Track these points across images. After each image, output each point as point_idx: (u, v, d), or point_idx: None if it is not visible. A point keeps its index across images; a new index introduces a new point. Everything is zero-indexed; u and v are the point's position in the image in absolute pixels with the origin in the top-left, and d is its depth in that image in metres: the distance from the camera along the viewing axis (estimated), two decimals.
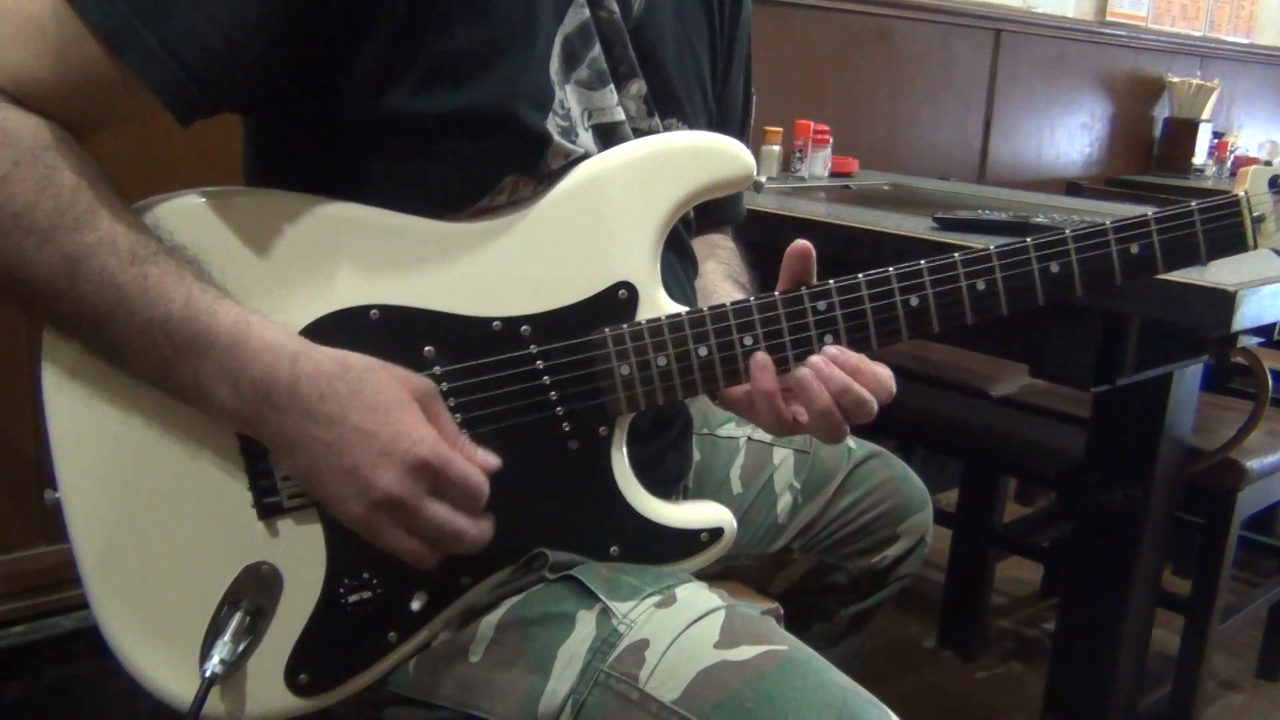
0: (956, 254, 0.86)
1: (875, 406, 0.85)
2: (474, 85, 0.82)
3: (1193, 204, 0.87)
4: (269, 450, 0.79)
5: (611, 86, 0.90)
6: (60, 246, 0.72)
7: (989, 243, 0.87)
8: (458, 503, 0.77)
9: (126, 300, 0.73)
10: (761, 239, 1.18)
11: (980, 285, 0.86)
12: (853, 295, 0.86)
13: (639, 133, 0.92)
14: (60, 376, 0.80)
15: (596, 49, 0.89)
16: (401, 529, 0.77)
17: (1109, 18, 3.44)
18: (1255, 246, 0.88)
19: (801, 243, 0.86)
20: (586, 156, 0.87)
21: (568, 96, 0.87)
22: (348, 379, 0.76)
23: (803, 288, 0.86)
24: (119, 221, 0.74)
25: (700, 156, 0.86)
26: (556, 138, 0.85)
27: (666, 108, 0.97)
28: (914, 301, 0.86)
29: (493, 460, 0.80)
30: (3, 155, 0.71)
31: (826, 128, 2.43)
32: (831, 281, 0.86)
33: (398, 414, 0.76)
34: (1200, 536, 1.88)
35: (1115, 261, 0.86)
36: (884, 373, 0.86)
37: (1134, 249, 0.86)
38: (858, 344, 0.86)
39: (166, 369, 0.75)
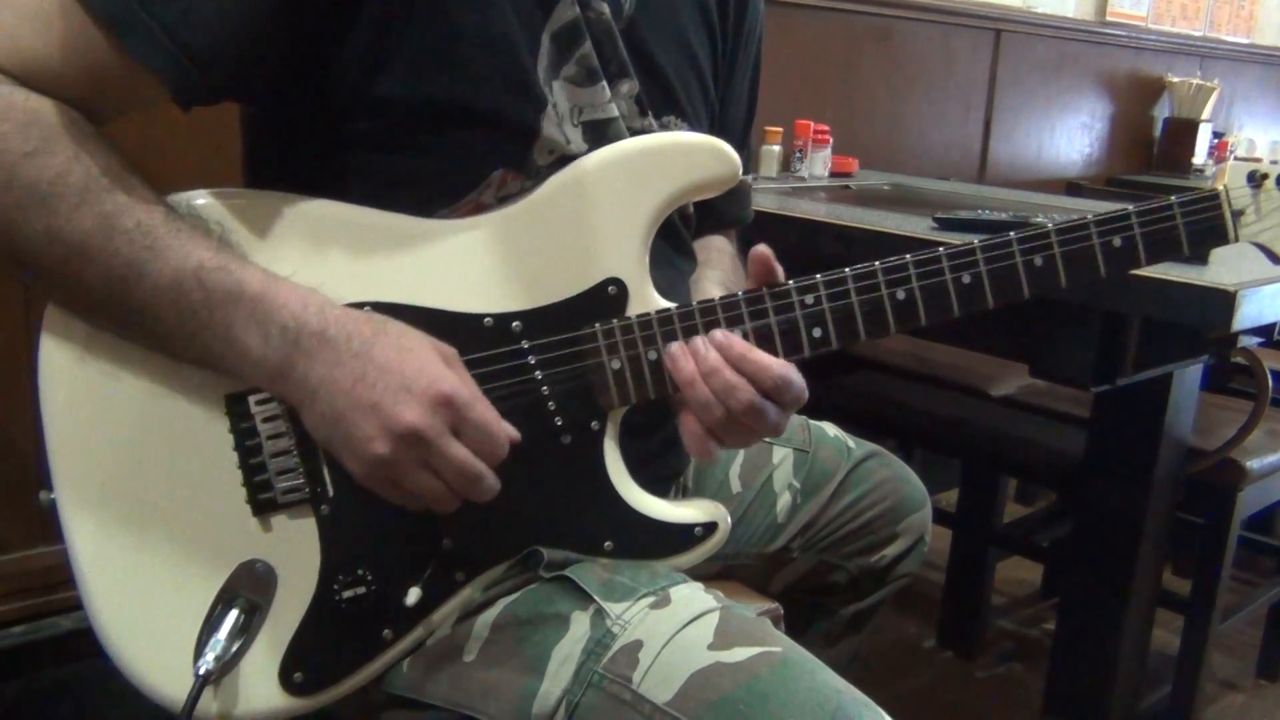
0: (941, 248, 0.87)
1: (750, 396, 0.82)
2: (461, 75, 0.83)
3: (1173, 198, 0.88)
4: (291, 403, 0.80)
5: (603, 84, 0.90)
6: (94, 206, 0.74)
7: None
8: (476, 446, 0.78)
9: (162, 250, 0.75)
10: (761, 239, 1.18)
11: (965, 278, 0.86)
12: (839, 289, 0.86)
13: (633, 132, 0.92)
14: (56, 375, 0.81)
15: (586, 46, 0.89)
16: (423, 468, 0.77)
17: (1109, 18, 3.43)
18: (1236, 239, 0.89)
19: (761, 249, 0.86)
20: (577, 152, 0.87)
21: (553, 92, 0.87)
22: (374, 322, 0.78)
23: (790, 281, 0.87)
24: (148, 187, 0.77)
25: (686, 155, 0.87)
26: (544, 131, 0.86)
27: (662, 107, 0.97)
28: (900, 295, 0.86)
29: (514, 432, 0.80)
30: (31, 132, 0.74)
31: (826, 128, 2.43)
32: (819, 276, 0.87)
33: (421, 354, 0.77)
34: (1200, 536, 1.87)
35: (1098, 254, 0.87)
36: (775, 365, 0.83)
37: (1116, 241, 0.87)
38: (846, 336, 0.87)
39: (197, 321, 0.76)
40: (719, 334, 0.84)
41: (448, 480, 0.78)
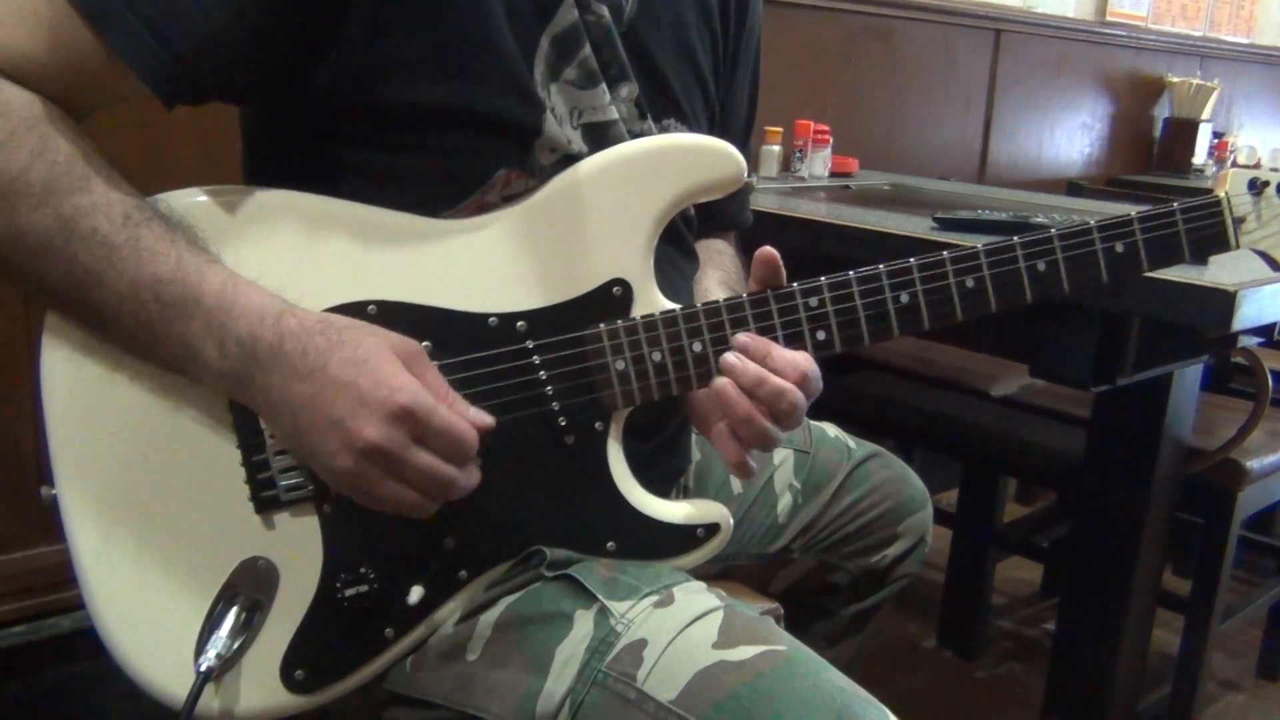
0: (945, 252, 0.87)
1: (799, 397, 0.84)
2: (458, 79, 0.83)
3: (1175, 205, 0.88)
4: (260, 416, 0.80)
5: (603, 86, 0.90)
6: (55, 208, 0.73)
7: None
8: (443, 452, 0.77)
9: (118, 261, 0.74)
10: (761, 239, 1.18)
11: (969, 283, 0.87)
12: (844, 292, 0.86)
13: (632, 135, 0.92)
14: (58, 372, 0.81)
15: (586, 50, 0.89)
16: (393, 479, 0.77)
17: (1109, 18, 3.44)
18: (1237, 246, 0.90)
19: (767, 250, 0.86)
20: (578, 153, 0.88)
21: (551, 95, 0.87)
22: (328, 334, 0.77)
23: (795, 284, 0.87)
24: (113, 189, 0.76)
25: (692, 157, 0.87)
26: (546, 130, 0.86)
27: (662, 110, 0.97)
28: (904, 298, 0.86)
29: (486, 419, 0.80)
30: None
31: (826, 128, 2.43)
32: (823, 278, 0.87)
33: (376, 364, 0.76)
34: (1200, 536, 1.87)
35: (1100, 260, 0.87)
36: (800, 358, 0.85)
37: (1119, 248, 0.87)
38: (850, 340, 0.87)
39: (155, 332, 0.76)
40: (743, 336, 0.85)
41: (418, 488, 0.77)
